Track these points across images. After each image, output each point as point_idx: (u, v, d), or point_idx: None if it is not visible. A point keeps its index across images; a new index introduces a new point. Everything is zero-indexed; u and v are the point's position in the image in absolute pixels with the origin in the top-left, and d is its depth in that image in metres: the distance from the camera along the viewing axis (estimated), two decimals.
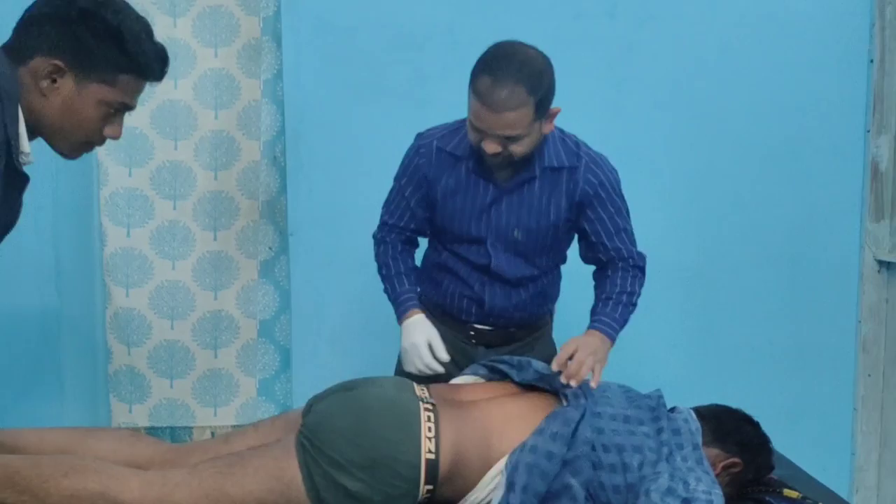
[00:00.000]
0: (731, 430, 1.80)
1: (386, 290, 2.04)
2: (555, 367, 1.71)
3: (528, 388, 1.79)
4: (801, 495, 1.82)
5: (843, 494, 2.73)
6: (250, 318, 2.69)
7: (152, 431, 2.64)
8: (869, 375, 2.81)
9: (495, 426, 1.64)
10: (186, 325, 2.68)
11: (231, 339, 2.70)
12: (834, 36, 2.70)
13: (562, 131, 1.92)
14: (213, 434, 2.70)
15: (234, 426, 2.72)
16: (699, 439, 1.70)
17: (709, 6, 2.67)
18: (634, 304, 1.95)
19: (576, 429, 1.61)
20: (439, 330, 1.97)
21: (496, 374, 1.84)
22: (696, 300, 2.77)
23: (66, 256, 2.43)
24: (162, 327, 2.66)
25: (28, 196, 2.29)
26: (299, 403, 1.99)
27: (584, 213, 1.90)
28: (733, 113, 2.72)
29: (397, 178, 2.01)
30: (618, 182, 1.92)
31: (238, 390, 2.73)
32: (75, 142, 1.46)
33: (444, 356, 1.93)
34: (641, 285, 1.97)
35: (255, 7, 2.57)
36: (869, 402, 2.82)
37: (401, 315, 1.98)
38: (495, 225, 1.90)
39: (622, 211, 1.93)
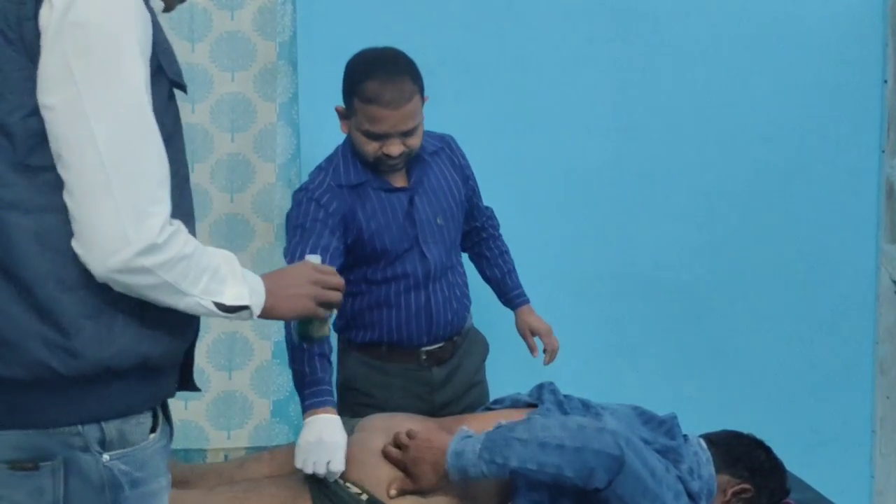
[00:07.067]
0: (740, 455, 1.78)
1: (300, 368, 1.77)
2: (539, 355, 2.16)
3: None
4: None
5: None
6: (265, 339, 2.70)
7: None
8: (887, 397, 2.79)
9: None
10: (202, 346, 2.67)
11: (245, 361, 2.70)
12: (848, 57, 2.70)
13: None
14: (226, 457, 2.70)
15: (247, 448, 2.72)
16: (710, 470, 1.69)
17: (721, 29, 2.68)
18: None
19: None
20: (388, 368, 2.02)
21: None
22: (710, 321, 2.75)
23: None
24: None
25: None
26: None
27: (467, 183, 2.09)
28: (747, 135, 2.72)
29: (303, 231, 1.84)
30: None
31: (252, 412, 2.72)
32: None
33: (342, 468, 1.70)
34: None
35: (271, 32, 2.60)
36: (888, 424, 2.79)
37: (316, 405, 1.73)
38: (420, 222, 1.95)
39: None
